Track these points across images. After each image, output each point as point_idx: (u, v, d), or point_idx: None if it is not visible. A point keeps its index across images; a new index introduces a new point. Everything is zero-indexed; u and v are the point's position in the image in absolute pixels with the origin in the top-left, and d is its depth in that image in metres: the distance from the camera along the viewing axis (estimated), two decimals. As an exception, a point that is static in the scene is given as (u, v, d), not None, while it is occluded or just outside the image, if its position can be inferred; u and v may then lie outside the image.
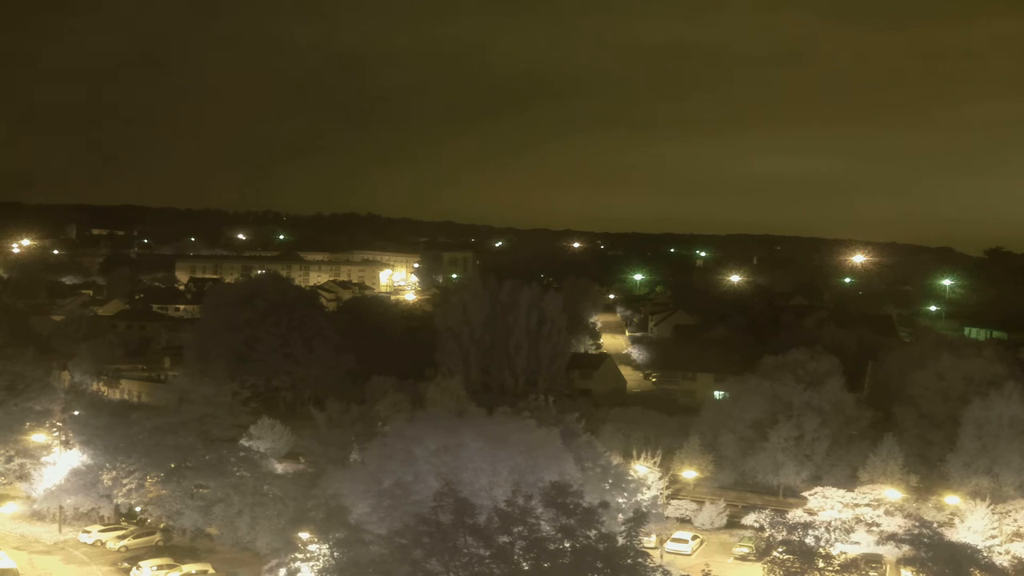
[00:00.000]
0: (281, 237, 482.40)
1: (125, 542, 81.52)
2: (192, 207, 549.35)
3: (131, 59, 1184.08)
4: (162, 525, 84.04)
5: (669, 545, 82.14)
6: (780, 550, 68.28)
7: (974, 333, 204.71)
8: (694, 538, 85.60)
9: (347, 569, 55.66)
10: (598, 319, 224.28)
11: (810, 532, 67.21)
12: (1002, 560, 72.47)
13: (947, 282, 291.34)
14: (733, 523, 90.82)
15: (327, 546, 58.34)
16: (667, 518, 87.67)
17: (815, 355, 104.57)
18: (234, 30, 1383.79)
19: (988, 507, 79.45)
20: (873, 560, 75.07)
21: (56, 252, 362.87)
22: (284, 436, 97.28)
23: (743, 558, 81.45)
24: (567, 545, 53.53)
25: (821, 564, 64.35)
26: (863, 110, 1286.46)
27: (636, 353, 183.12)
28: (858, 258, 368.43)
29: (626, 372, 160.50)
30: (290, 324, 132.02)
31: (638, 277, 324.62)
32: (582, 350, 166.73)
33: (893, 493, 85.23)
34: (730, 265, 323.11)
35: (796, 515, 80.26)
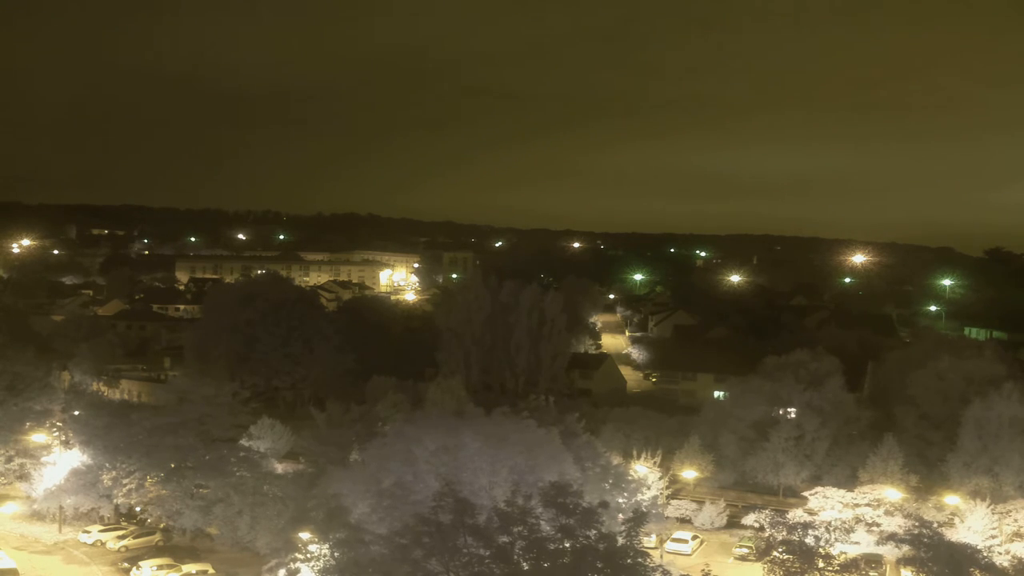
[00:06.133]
0: (281, 237, 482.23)
1: (125, 542, 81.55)
2: (192, 207, 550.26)
3: (131, 61, 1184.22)
4: (162, 525, 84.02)
5: (669, 545, 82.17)
6: (780, 550, 68.22)
7: (974, 333, 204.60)
8: (694, 538, 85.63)
9: (347, 569, 55.63)
10: (598, 319, 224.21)
11: (810, 532, 67.15)
12: (1002, 560, 72.38)
13: (947, 282, 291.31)
14: (733, 523, 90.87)
15: (327, 546, 58.31)
16: (667, 518, 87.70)
17: (816, 355, 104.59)
18: (235, 34, 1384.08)
19: (988, 507, 79.42)
20: (873, 560, 75.06)
21: (56, 252, 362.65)
22: (284, 436, 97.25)
23: (743, 558, 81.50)
24: (567, 545, 53.49)
25: (821, 564, 64.29)
26: (864, 109, 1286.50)
27: (636, 353, 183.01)
28: (858, 258, 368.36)
29: (626, 372, 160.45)
30: (290, 324, 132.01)
31: (638, 277, 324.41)
32: (582, 350, 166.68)
33: (893, 493, 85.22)
34: (730, 265, 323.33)
35: (796, 515, 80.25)
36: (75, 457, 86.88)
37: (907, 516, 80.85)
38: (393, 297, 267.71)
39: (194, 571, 74.97)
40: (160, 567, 74.55)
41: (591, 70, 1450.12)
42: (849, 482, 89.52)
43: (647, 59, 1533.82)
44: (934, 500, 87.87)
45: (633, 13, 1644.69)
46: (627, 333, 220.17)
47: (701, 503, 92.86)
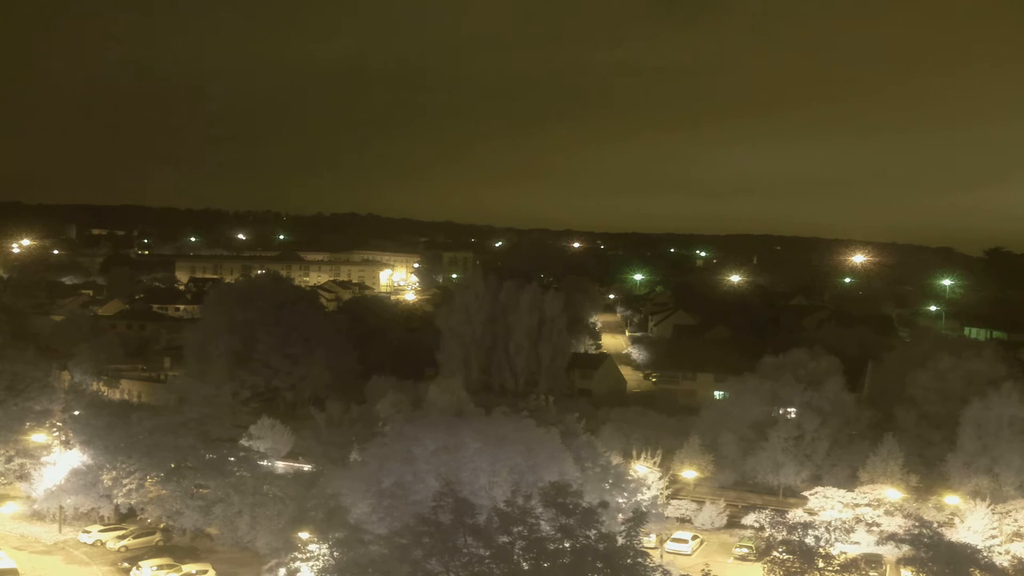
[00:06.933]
0: (281, 237, 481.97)
1: (125, 542, 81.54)
2: (192, 207, 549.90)
3: (131, 61, 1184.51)
4: (162, 525, 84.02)
5: (669, 545, 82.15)
6: (780, 550, 68.19)
7: (974, 333, 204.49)
8: (694, 538, 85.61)
9: (347, 569, 55.61)
10: (598, 319, 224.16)
11: (810, 532, 67.11)
12: (1002, 560, 72.38)
13: (947, 282, 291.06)
14: (733, 523, 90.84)
15: (327, 546, 58.31)
16: (667, 518, 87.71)
17: (815, 355, 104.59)
18: (235, 34, 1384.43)
19: (988, 507, 79.44)
20: (873, 560, 75.05)
21: (56, 252, 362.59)
22: (284, 436, 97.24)
23: (743, 558, 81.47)
24: (567, 545, 53.50)
25: (821, 564, 64.26)
26: (864, 109, 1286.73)
27: (636, 353, 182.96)
28: (858, 258, 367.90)
29: (626, 372, 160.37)
30: (290, 324, 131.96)
31: (638, 277, 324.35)
32: (582, 350, 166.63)
33: (893, 493, 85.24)
34: (730, 265, 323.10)
35: (796, 515, 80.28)
36: (75, 457, 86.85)
37: (907, 516, 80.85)
38: (393, 297, 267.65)
39: (194, 571, 74.95)
40: (160, 567, 74.56)
41: (592, 69, 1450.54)
42: (849, 482, 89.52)
43: (646, 58, 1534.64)
44: (934, 500, 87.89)
45: (631, 10, 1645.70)
46: (627, 333, 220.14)
47: (701, 503, 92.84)
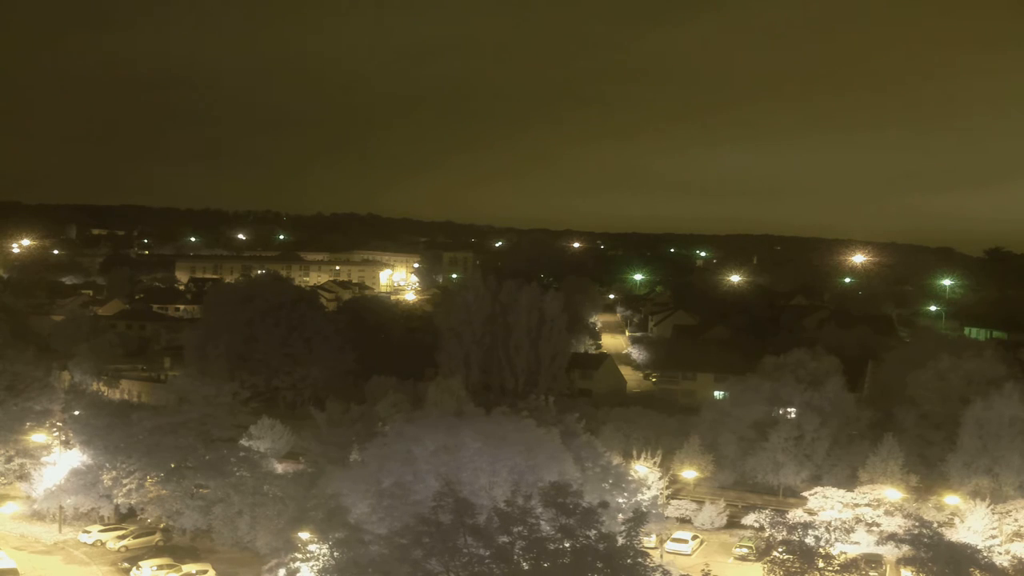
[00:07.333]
0: (281, 237, 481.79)
1: (125, 542, 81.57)
2: (192, 207, 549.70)
3: (131, 61, 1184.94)
4: (162, 525, 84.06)
5: (669, 545, 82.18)
6: (780, 550, 68.23)
7: (974, 333, 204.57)
8: (694, 538, 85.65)
9: (347, 569, 55.62)
10: (598, 319, 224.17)
11: (810, 532, 67.12)
12: (1002, 560, 72.42)
13: (947, 282, 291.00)
14: (733, 523, 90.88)
15: (327, 546, 58.31)
16: (667, 518, 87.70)
17: (815, 355, 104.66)
18: (235, 35, 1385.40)
19: (988, 507, 79.42)
20: (873, 560, 75.07)
21: (56, 252, 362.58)
22: (284, 436, 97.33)
23: (743, 558, 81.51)
24: (567, 545, 53.50)
25: (821, 564, 64.25)
26: (864, 109, 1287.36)
27: (636, 353, 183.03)
28: (858, 258, 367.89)
29: (626, 372, 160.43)
30: (290, 324, 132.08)
31: (638, 277, 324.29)
32: (582, 350, 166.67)
33: (893, 493, 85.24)
34: (730, 265, 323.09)
35: (796, 515, 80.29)
36: (75, 457, 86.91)
37: (907, 516, 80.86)
38: (393, 297, 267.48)
39: (194, 571, 74.98)
40: (160, 567, 74.59)
41: (592, 69, 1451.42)
42: (849, 482, 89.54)
43: (645, 58, 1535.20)
44: (934, 500, 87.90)
45: (629, 9, 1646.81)
46: (627, 333, 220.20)
47: (701, 503, 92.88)
